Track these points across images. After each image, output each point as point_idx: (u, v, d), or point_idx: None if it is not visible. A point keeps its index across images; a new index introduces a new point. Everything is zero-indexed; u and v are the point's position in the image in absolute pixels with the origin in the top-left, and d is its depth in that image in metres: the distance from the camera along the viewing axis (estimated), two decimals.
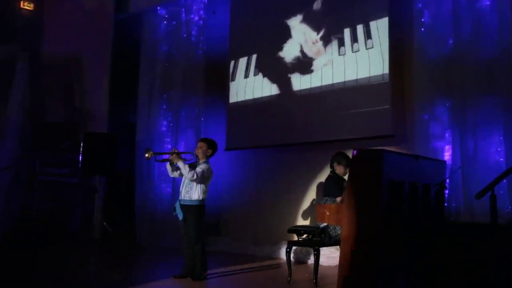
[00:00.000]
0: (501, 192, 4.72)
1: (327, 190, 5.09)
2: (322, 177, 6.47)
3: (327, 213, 4.20)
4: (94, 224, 7.96)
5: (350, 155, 4.09)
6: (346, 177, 5.12)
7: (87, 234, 7.57)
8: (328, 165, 5.28)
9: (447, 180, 4.79)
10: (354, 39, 6.26)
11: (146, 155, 5.07)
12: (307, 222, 6.72)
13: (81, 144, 7.62)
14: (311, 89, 6.72)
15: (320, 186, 6.59)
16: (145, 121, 8.22)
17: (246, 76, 7.58)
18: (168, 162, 5.14)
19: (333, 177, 5.13)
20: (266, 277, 5.46)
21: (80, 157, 7.61)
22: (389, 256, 3.81)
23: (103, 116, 8.47)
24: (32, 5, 8.45)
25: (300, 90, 6.85)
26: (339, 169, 5.15)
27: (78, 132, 8.26)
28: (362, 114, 6.09)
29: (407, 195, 3.98)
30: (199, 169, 5.03)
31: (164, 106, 8.09)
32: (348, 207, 3.83)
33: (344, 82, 6.33)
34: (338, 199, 4.86)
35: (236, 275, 5.48)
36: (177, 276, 5.10)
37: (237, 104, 7.67)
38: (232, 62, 7.79)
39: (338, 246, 5.11)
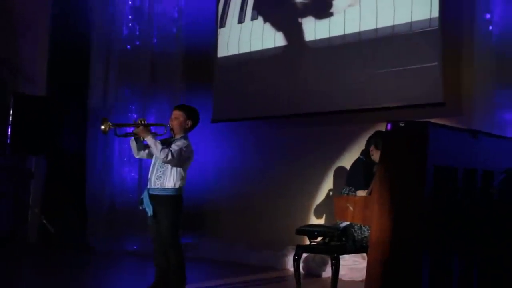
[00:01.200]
0: None
1: (353, 178, 5.15)
2: (344, 160, 6.52)
3: (351, 208, 4.19)
4: (29, 222, 7.98)
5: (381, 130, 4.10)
6: None
7: (18, 236, 7.57)
8: (353, 144, 5.32)
9: None
10: None
11: (102, 127, 5.05)
12: (322, 221, 6.78)
13: (10, 112, 7.60)
14: (329, 39, 6.70)
15: (340, 172, 6.63)
16: (101, 81, 8.20)
17: (240, 20, 7.55)
18: (133, 138, 5.13)
19: (364, 162, 5.18)
20: None
21: (9, 130, 7.60)
22: (437, 268, 3.85)
23: (40, 73, 8.44)
24: None
25: (315, 41, 6.83)
26: (377, 155, 5.12)
27: (5, 95, 8.23)
28: (400, 74, 6.10)
29: (461, 185, 3.99)
30: (175, 146, 5.04)
31: (129, 47, 8.09)
32: (379, 200, 3.81)
33: (376, 29, 6.31)
34: (361, 193, 4.89)
35: None
36: None
37: (228, 59, 7.66)
38: (222, 1, 7.75)
39: (364, 254, 5.16)
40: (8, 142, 7.62)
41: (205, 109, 6.71)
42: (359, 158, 5.23)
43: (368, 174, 5.07)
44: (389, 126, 3.86)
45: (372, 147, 5.17)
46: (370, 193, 4.14)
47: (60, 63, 8.48)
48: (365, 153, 5.22)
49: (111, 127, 5.06)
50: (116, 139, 7.76)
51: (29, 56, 8.57)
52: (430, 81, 5.91)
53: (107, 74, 8.18)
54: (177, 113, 5.19)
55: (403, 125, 3.86)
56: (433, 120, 4.24)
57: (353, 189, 5.01)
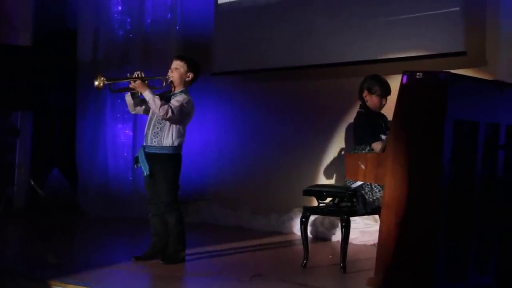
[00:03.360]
0: None
1: (359, 133, 5.15)
2: (353, 116, 6.53)
3: (362, 166, 4.22)
4: (15, 185, 8.05)
5: (396, 82, 4.10)
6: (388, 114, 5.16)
7: (5, 201, 7.63)
8: None
9: None
10: None
11: (96, 82, 5.02)
12: (331, 181, 6.81)
13: None
14: None
15: (350, 129, 6.64)
16: (91, 29, 8.17)
17: None
18: (129, 93, 5.14)
19: (366, 114, 5.17)
20: (272, 259, 5.56)
21: None
22: (456, 233, 3.88)
23: (25, 19, 8.36)
24: None
25: None
26: (372, 101, 5.18)
27: None
28: (417, 20, 6.05)
29: (483, 142, 4.01)
30: (175, 101, 5.03)
31: (120, 8, 8.03)
32: (393, 158, 3.85)
33: None
34: (376, 145, 4.90)
35: (227, 257, 5.57)
36: (140, 257, 5.19)
37: (230, 4, 7.60)
38: None
39: (377, 216, 5.21)
40: None
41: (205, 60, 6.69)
42: (359, 111, 5.23)
43: (374, 125, 5.07)
44: (404, 78, 3.86)
45: (365, 93, 5.18)
46: (383, 150, 4.14)
47: (47, 11, 8.42)
48: (363, 105, 5.22)
49: (105, 82, 5.03)
50: (109, 94, 7.73)
51: (13, 5, 8.49)
52: (450, 28, 5.86)
53: (97, 23, 8.13)
54: (177, 63, 5.17)
55: (420, 76, 3.86)
56: (453, 71, 4.24)
57: (363, 146, 5.02)
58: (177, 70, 5.15)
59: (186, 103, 5.06)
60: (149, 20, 8.01)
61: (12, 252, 5.96)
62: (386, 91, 5.16)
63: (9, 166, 8.11)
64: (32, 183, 7.75)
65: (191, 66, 5.19)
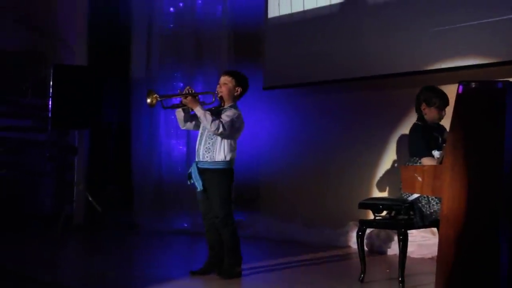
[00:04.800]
0: None
1: (413, 146, 5.07)
2: (409, 126, 6.42)
3: (419, 178, 4.14)
4: (74, 202, 8.15)
5: (452, 92, 4.00)
6: (445, 126, 5.05)
7: (63, 217, 7.74)
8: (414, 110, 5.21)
9: None
10: None
11: (149, 100, 5.06)
12: (385, 194, 6.75)
13: (50, 84, 7.72)
14: None
15: (404, 139, 6.50)
16: (143, 49, 8.27)
17: None
18: (180, 109, 5.15)
19: (422, 127, 5.08)
20: (329, 273, 5.51)
21: (50, 103, 7.73)
22: None
23: (81, 42, 8.55)
24: None
25: None
26: (430, 113, 5.07)
27: (46, 66, 8.36)
28: (472, 29, 5.95)
29: None
30: (225, 117, 5.03)
31: (171, 26, 8.13)
32: (451, 170, 3.76)
33: None
34: (426, 161, 4.81)
35: (282, 271, 5.55)
36: (197, 272, 5.21)
37: (280, 20, 7.61)
38: None
39: (434, 229, 5.10)
40: (49, 116, 7.74)
41: (254, 78, 6.70)
42: (415, 123, 5.15)
43: (428, 138, 4.99)
44: (460, 88, 3.80)
45: (423, 105, 5.07)
46: (441, 162, 4.04)
47: (100, 31, 8.57)
48: (420, 117, 5.12)
49: (158, 99, 5.08)
50: (162, 111, 7.82)
51: (68, 25, 8.67)
52: (507, 36, 5.73)
53: (150, 43, 8.22)
54: (225, 79, 5.19)
55: (476, 85, 3.79)
56: (511, 80, 4.13)
57: (417, 159, 4.94)
58: (225, 85, 5.16)
59: (236, 117, 5.07)
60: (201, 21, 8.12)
61: (71, 267, 6.05)
62: (445, 102, 5.04)
63: (68, 183, 8.23)
64: (90, 199, 7.83)
65: (239, 81, 5.20)
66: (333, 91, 7.36)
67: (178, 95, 5.17)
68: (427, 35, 6.28)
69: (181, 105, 5.12)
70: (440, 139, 5.02)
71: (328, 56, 7.09)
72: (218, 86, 5.20)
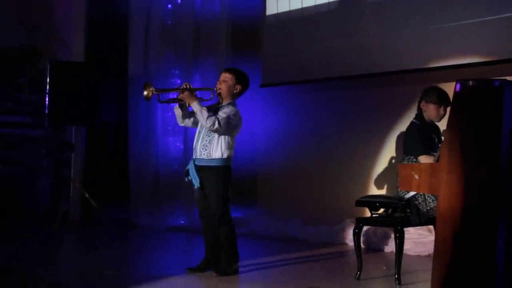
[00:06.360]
0: None
1: (409, 144, 5.09)
2: (406, 124, 6.43)
3: (416, 176, 4.15)
4: (70, 198, 8.14)
5: (451, 91, 4.01)
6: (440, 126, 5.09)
7: (60, 214, 7.71)
8: (416, 106, 5.22)
9: None
10: None
11: (145, 92, 5.05)
12: (383, 191, 6.76)
13: (47, 80, 7.71)
14: None
15: (402, 138, 6.53)
16: (141, 45, 8.26)
17: None
18: (177, 104, 5.15)
19: (418, 126, 5.11)
20: (324, 270, 5.51)
21: (46, 99, 7.73)
22: None
23: (78, 38, 8.54)
24: None
25: None
26: (429, 111, 5.10)
27: (42, 62, 8.35)
28: (471, 26, 5.96)
29: None
30: (222, 113, 5.03)
31: (169, 22, 8.11)
32: (448, 167, 3.75)
33: None
34: (423, 158, 4.82)
35: (279, 268, 5.55)
36: (193, 269, 5.21)
37: (278, 17, 7.60)
38: None
39: (431, 226, 5.11)
40: (46, 112, 7.73)
41: (252, 73, 6.70)
42: (412, 122, 5.16)
43: (425, 138, 5.01)
44: (458, 86, 3.80)
45: (422, 102, 5.10)
46: (437, 160, 4.05)
47: (97, 27, 8.56)
48: (419, 115, 5.13)
49: (154, 92, 5.06)
50: (159, 107, 7.83)
51: (64, 21, 8.66)
52: (505, 34, 5.74)
53: (148, 39, 8.21)
54: (226, 76, 5.18)
55: (473, 83, 3.79)
56: (509, 78, 4.13)
57: (412, 157, 4.96)
58: (225, 82, 5.15)
59: (233, 115, 5.05)
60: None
61: (68, 264, 6.05)
62: (442, 98, 5.04)
63: (65, 180, 8.22)
64: (87, 195, 7.83)
65: (240, 78, 5.19)
66: (331, 88, 7.36)
67: (175, 89, 5.20)
68: (426, 33, 6.29)
69: (177, 100, 5.11)
70: (436, 140, 5.05)
71: (327, 54, 7.10)
72: (218, 82, 5.19)
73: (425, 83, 5.97)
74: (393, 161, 6.70)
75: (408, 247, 5.85)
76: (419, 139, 4.98)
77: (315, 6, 7.23)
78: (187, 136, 7.75)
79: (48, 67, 7.75)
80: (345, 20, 6.97)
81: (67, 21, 8.65)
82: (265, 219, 7.65)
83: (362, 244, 5.40)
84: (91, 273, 5.28)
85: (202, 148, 5.09)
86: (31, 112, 8.55)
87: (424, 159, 4.84)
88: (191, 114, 5.15)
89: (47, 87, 7.71)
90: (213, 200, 5.07)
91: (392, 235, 5.09)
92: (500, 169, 3.62)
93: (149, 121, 8.13)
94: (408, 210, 4.89)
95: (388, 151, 6.82)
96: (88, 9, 8.54)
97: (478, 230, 3.65)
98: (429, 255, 5.80)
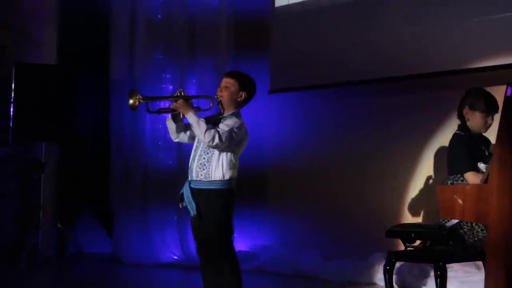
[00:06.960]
0: None
1: (453, 160, 5.06)
2: (445, 136, 6.42)
3: (460, 201, 4.14)
4: (40, 229, 8.12)
5: (499, 95, 4.00)
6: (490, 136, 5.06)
7: (28, 247, 7.70)
8: (455, 116, 5.21)
9: None
10: None
11: (131, 101, 5.05)
12: (419, 219, 6.76)
13: (12, 86, 7.71)
14: None
15: (442, 153, 6.55)
16: (125, 44, 8.32)
17: None
18: (170, 115, 5.14)
19: (464, 137, 5.08)
20: None
21: (11, 110, 7.73)
22: None
23: (50, 37, 8.57)
24: None
25: None
26: (473, 119, 5.07)
27: (7, 65, 8.37)
28: None
29: None
30: (224, 126, 5.01)
31: (159, 16, 8.15)
32: (498, 190, 3.76)
33: None
34: (470, 176, 4.80)
35: None
36: None
37: (289, 9, 7.65)
38: None
39: (479, 262, 5.10)
40: (11, 125, 7.73)
41: (258, 77, 6.73)
42: (455, 134, 5.14)
43: (473, 150, 4.98)
44: (509, 90, 3.83)
45: (466, 109, 5.06)
46: (486, 181, 4.03)
47: (74, 24, 8.61)
48: (462, 125, 5.12)
49: (141, 101, 5.05)
50: (147, 118, 7.86)
51: (34, 15, 8.69)
52: None
53: (133, 37, 8.27)
54: (228, 81, 5.15)
55: None
56: None
57: (459, 177, 4.93)
58: (227, 89, 5.13)
59: (237, 128, 5.02)
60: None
61: None
62: (491, 106, 5.02)
63: (33, 207, 8.21)
64: (59, 225, 7.82)
65: (244, 84, 5.16)
66: (355, 93, 7.39)
67: (167, 97, 5.18)
68: (467, 27, 6.32)
69: (170, 109, 5.08)
70: (486, 152, 5.01)
71: (348, 52, 7.14)
72: (218, 89, 5.17)
73: (465, 87, 6.00)
74: (431, 181, 6.71)
75: (452, 287, 5.82)
76: (465, 153, 4.94)
77: None
78: (182, 152, 7.75)
79: (13, 71, 7.76)
80: (368, 14, 7.02)
81: (38, 16, 8.68)
82: (276, 252, 7.67)
83: (394, 284, 5.39)
84: None
85: (200, 168, 5.06)
86: None
87: (471, 177, 4.80)
88: (187, 127, 5.13)
89: (12, 95, 7.71)
90: (213, 231, 5.02)
91: (432, 273, 5.08)
92: None
93: (135, 135, 8.16)
94: (450, 242, 4.86)
95: (425, 170, 6.82)
96: (62, 2, 8.58)
97: None
98: None
